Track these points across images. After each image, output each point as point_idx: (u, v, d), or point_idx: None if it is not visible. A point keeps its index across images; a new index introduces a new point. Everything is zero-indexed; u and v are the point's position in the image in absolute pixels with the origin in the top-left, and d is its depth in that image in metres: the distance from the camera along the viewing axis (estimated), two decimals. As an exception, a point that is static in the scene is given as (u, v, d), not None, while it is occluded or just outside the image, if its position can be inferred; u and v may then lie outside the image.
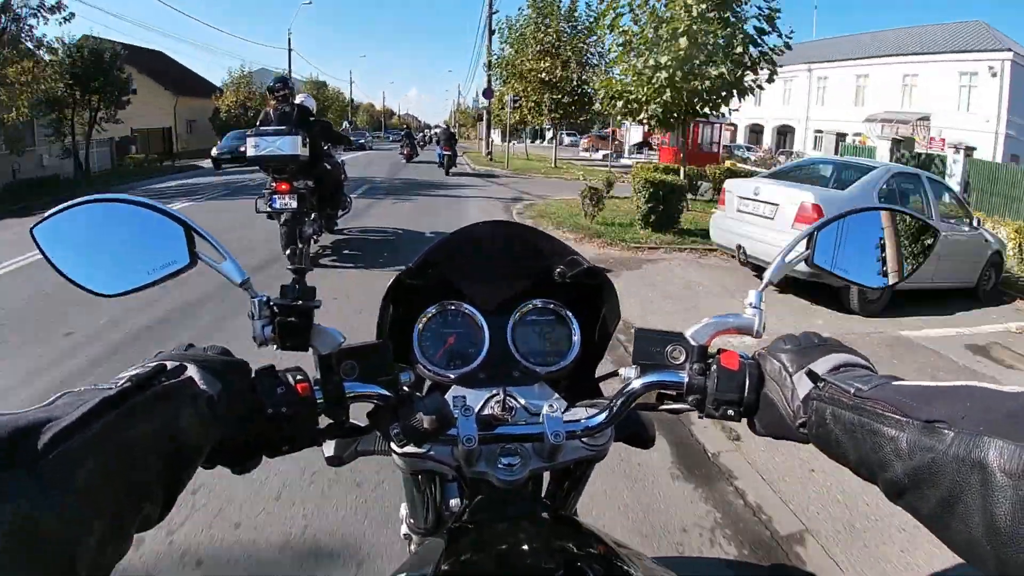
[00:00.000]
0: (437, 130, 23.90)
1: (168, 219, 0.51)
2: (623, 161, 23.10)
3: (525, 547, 0.54)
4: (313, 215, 5.72)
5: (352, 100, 69.15)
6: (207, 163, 19.98)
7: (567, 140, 36.27)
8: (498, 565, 0.52)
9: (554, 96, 17.98)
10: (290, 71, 31.82)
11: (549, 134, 33.52)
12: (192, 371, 0.43)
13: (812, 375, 0.50)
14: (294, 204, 5.17)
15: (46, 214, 0.48)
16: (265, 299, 0.53)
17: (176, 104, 27.88)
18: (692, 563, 1.77)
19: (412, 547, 0.88)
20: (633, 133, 32.68)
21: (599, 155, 27.24)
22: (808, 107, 28.77)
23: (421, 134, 35.98)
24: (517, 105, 18.84)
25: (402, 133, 26.62)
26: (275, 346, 0.53)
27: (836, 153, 20.29)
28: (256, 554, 1.87)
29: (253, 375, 0.50)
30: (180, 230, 0.51)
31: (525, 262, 0.78)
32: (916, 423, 0.38)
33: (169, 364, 0.42)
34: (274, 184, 5.20)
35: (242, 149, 5.32)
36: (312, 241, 5.84)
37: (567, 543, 0.55)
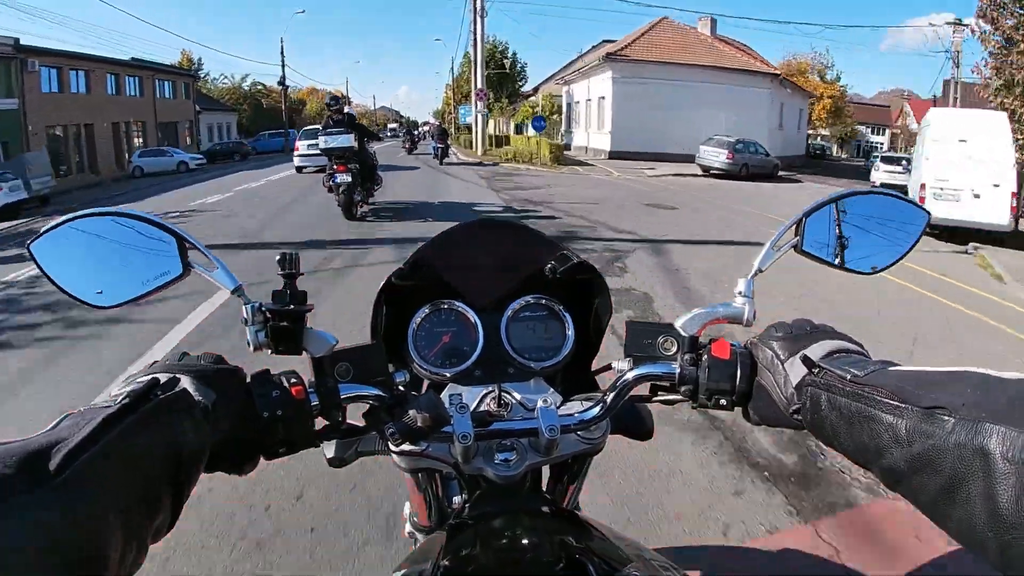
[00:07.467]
0: (426, 127, 26.78)
1: (160, 230, 0.52)
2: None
3: (525, 541, 0.55)
4: (359, 188, 8.54)
5: (349, 100, 72.17)
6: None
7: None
8: (498, 559, 0.53)
9: None
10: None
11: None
12: (186, 382, 0.45)
13: (807, 361, 0.50)
14: (348, 179, 7.98)
15: (41, 230, 0.50)
16: (258, 305, 0.54)
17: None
18: (693, 552, 1.83)
19: (416, 545, 0.88)
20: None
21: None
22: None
23: (417, 131, 40.52)
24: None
25: (403, 131, 30.14)
26: (269, 351, 0.55)
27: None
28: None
29: (248, 380, 0.52)
30: (172, 240, 0.53)
31: (517, 259, 0.79)
32: (915, 409, 0.38)
33: (163, 377, 0.44)
34: (335, 167, 8.00)
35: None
36: (360, 205, 8.70)
37: (566, 536, 0.56)
